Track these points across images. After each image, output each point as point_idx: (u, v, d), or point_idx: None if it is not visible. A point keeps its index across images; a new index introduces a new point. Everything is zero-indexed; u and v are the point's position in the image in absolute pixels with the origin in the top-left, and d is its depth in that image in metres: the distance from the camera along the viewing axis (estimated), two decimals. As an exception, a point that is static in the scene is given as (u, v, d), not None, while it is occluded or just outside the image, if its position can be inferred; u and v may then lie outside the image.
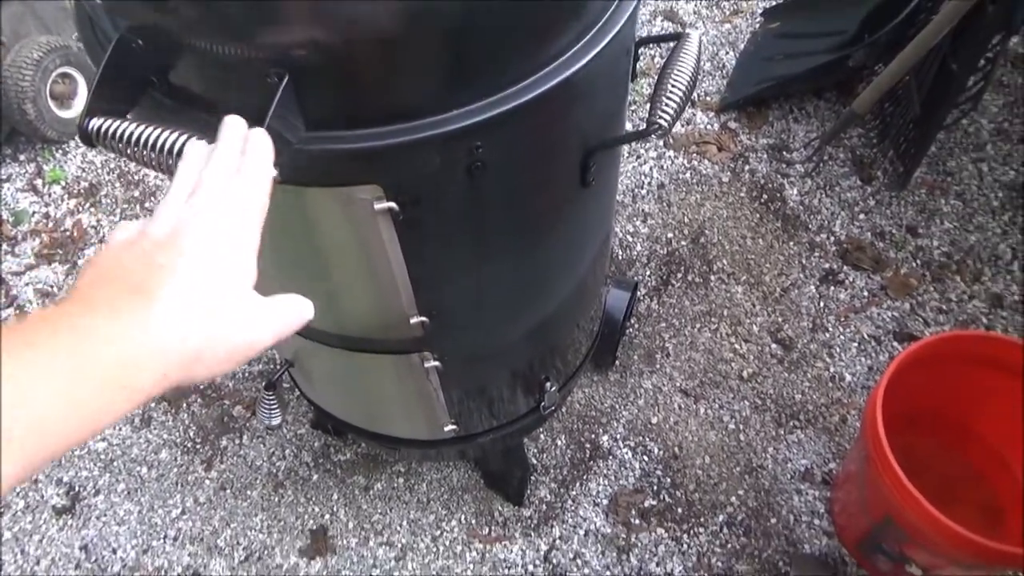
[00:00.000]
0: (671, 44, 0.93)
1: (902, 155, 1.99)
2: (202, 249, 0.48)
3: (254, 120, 0.65)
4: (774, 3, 2.43)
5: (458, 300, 1.00)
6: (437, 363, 1.07)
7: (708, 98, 2.28)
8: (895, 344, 1.79)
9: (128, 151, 0.65)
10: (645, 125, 0.85)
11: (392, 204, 0.77)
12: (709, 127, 2.21)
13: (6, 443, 0.36)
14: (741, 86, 2.25)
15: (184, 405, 1.86)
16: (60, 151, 2.41)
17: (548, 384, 1.31)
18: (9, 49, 2.28)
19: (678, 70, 0.87)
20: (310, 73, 0.65)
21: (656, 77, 0.91)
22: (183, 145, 0.61)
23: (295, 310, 0.55)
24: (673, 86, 0.86)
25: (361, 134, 0.70)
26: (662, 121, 0.83)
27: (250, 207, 0.53)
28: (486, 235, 0.90)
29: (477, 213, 0.85)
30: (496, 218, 0.88)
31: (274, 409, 1.31)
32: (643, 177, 2.13)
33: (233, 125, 0.57)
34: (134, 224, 0.51)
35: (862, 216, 1.98)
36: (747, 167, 2.11)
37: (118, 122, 0.65)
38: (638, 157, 2.17)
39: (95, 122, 0.66)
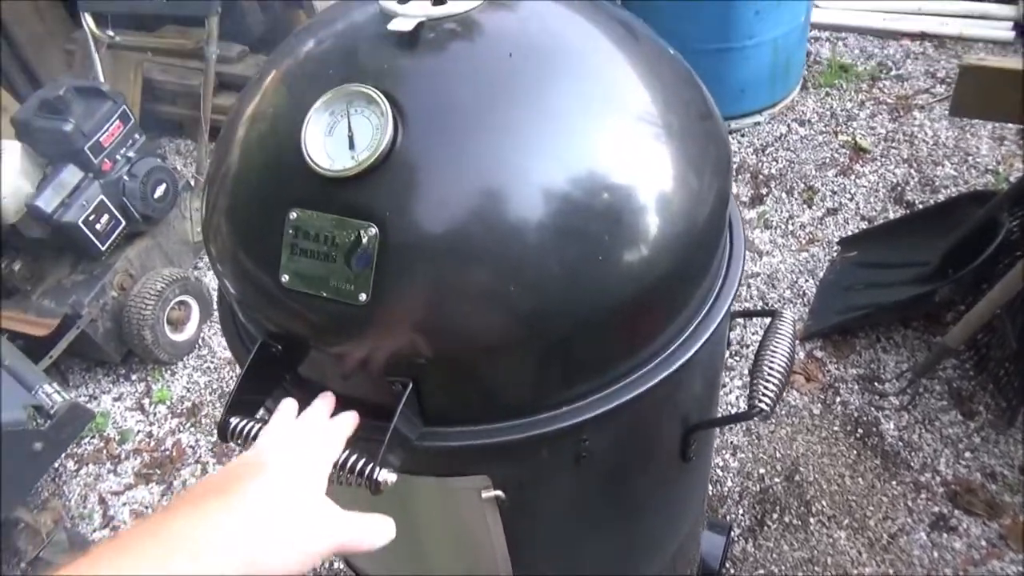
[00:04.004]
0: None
1: (1003, 390, 1.92)
2: (281, 467, 0.59)
3: (377, 415, 0.69)
4: (849, 233, 2.49)
5: (558, 573, 0.97)
6: (532, 636, 1.03)
7: (791, 326, 2.28)
8: (1025, 604, 1.62)
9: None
10: (747, 403, 0.86)
11: (499, 492, 0.78)
12: (795, 356, 2.20)
13: None
14: (824, 314, 2.26)
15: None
16: (169, 371, 2.58)
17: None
18: (136, 280, 2.52)
19: (773, 351, 0.89)
20: (431, 379, 0.70)
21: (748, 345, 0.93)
22: None
23: (369, 528, 0.61)
24: (771, 367, 0.87)
25: (475, 430, 0.73)
26: (763, 405, 0.84)
27: (326, 455, 0.63)
28: (588, 513, 0.90)
29: (581, 495, 0.86)
30: (599, 498, 0.88)
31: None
32: (730, 407, 2.10)
33: (325, 397, 0.72)
34: None
35: (968, 454, 1.88)
36: (838, 399, 2.06)
37: (252, 424, 0.71)
38: (723, 386, 2.16)
39: (233, 421, 0.72)
